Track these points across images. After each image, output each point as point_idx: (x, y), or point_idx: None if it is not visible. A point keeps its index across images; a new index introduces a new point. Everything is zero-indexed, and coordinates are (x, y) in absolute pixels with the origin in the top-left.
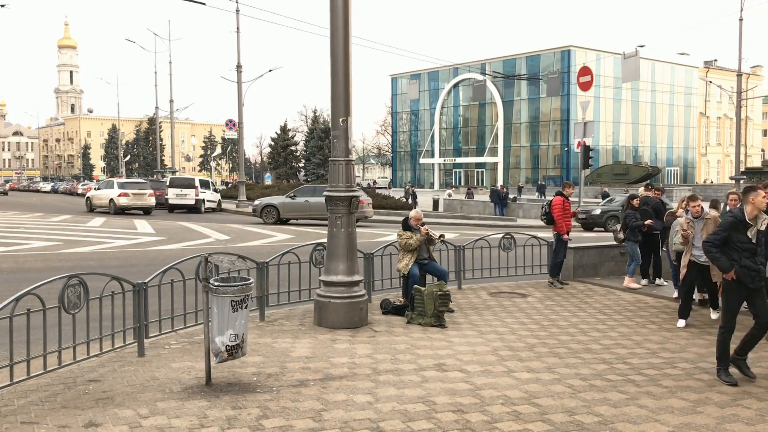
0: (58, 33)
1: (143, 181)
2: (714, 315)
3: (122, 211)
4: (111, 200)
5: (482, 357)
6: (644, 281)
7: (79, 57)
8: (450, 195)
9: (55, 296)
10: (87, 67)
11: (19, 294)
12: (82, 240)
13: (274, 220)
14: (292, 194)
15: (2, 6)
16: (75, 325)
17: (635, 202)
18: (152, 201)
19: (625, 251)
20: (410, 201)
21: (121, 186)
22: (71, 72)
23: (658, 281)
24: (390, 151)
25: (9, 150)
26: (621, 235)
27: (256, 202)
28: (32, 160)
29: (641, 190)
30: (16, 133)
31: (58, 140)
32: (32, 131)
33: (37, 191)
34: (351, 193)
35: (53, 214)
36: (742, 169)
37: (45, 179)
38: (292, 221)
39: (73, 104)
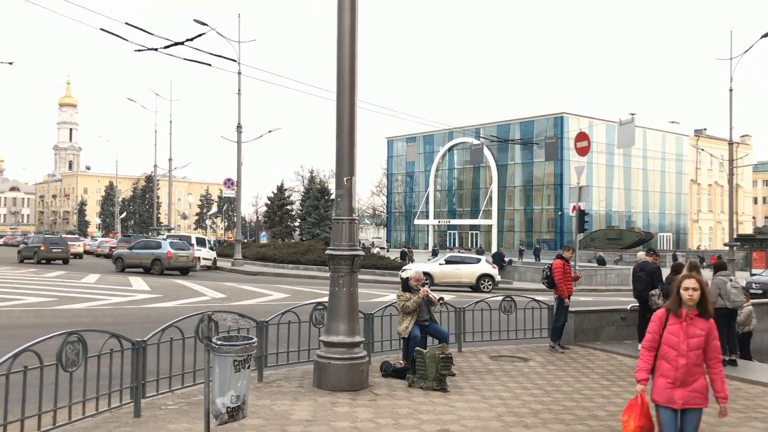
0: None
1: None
2: None
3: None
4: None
5: (486, 423)
6: None
7: (80, 115)
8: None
9: (51, 353)
10: (87, 125)
11: (17, 351)
12: (76, 296)
13: None
14: None
15: (10, 63)
16: (71, 384)
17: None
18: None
19: (626, 315)
20: (407, 261)
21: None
22: (71, 129)
23: None
24: (385, 211)
25: (5, 205)
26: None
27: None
28: (28, 215)
29: (641, 254)
30: (12, 189)
31: (54, 196)
32: (29, 187)
33: None
34: (354, 252)
35: (47, 270)
36: (735, 236)
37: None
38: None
39: (71, 161)
